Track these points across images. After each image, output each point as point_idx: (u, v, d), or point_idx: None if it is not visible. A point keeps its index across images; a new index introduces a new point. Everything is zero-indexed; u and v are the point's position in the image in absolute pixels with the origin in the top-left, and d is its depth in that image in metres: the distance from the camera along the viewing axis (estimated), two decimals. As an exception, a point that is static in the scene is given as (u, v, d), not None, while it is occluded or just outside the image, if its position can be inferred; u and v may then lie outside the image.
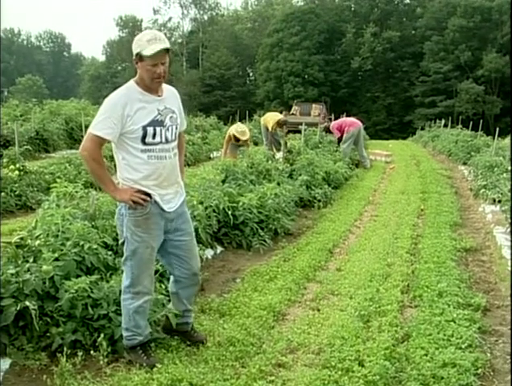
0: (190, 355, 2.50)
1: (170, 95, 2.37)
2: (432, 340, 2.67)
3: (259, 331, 2.78)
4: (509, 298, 3.43)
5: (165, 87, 2.36)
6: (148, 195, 2.28)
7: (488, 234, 5.18)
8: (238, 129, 7.51)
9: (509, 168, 7.20)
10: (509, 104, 28.25)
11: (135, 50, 2.22)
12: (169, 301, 2.88)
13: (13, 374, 2.31)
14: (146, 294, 2.38)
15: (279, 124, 9.58)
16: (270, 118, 9.74)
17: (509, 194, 5.70)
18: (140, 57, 2.21)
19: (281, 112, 12.00)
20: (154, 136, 2.25)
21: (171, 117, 2.32)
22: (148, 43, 2.18)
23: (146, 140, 2.24)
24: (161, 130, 2.27)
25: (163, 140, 2.28)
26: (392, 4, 36.16)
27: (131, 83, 2.29)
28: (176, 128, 2.36)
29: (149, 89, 2.27)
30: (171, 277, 2.55)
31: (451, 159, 11.75)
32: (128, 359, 2.42)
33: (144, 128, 2.23)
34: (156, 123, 2.26)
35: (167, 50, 2.22)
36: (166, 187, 2.33)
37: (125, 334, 2.42)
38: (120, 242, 2.41)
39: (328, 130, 10.81)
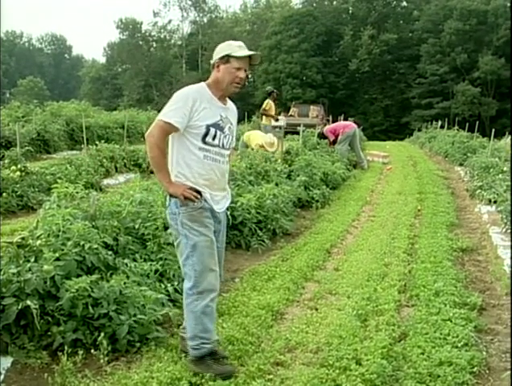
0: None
1: (232, 109, 2.45)
2: (429, 339, 2.70)
3: (258, 330, 2.80)
4: (504, 297, 3.47)
5: (228, 101, 2.43)
6: (199, 192, 2.30)
7: (484, 234, 5.23)
8: (268, 140, 7.86)
9: (505, 169, 7.27)
10: (504, 105, 28.44)
11: (223, 52, 2.29)
12: (169, 300, 2.91)
13: (14, 372, 2.33)
14: (212, 291, 2.30)
15: (270, 97, 9.33)
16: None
17: (505, 194, 5.75)
18: (227, 59, 2.28)
19: (279, 114, 12.01)
20: (214, 137, 2.30)
21: (229, 128, 2.39)
22: (239, 48, 2.30)
23: (207, 139, 2.29)
24: (220, 135, 2.33)
25: (221, 144, 2.34)
26: (389, 7, 36.29)
27: (202, 84, 2.36)
28: (232, 138, 2.42)
29: (218, 95, 2.34)
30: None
31: (447, 160, 11.82)
32: (196, 371, 2.28)
33: (208, 127, 2.29)
34: (218, 127, 2.32)
35: (250, 63, 2.33)
36: (215, 190, 2.37)
37: (191, 343, 2.31)
38: (176, 243, 2.37)
39: (322, 136, 10.82)
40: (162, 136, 2.26)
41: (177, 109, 2.24)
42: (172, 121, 2.23)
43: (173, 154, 2.33)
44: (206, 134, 2.28)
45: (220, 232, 2.44)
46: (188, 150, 2.29)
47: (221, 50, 2.32)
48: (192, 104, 2.25)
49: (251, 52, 2.32)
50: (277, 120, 9.67)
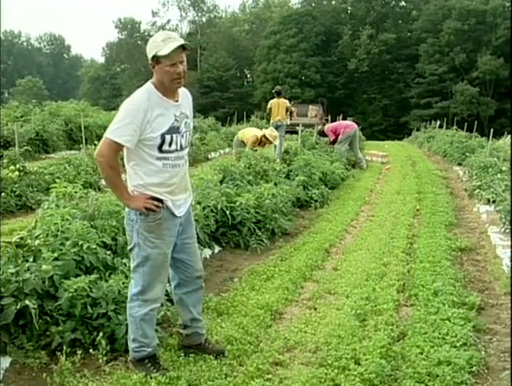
0: (188, 353, 2.51)
1: (184, 98, 2.33)
2: (428, 338, 2.70)
3: (256, 330, 2.81)
4: (503, 297, 3.48)
5: (179, 91, 2.30)
6: (160, 200, 2.23)
7: (482, 234, 5.23)
8: (272, 133, 7.97)
9: (504, 168, 7.28)
10: (503, 105, 28.49)
11: (151, 52, 2.14)
12: (168, 300, 2.91)
13: (13, 372, 2.33)
14: (155, 302, 2.32)
15: (281, 96, 9.41)
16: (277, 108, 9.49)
17: (504, 194, 5.76)
18: (157, 59, 2.14)
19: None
20: (170, 144, 2.21)
21: (185, 123, 2.29)
22: (164, 43, 2.12)
23: (163, 148, 2.20)
24: (177, 137, 2.23)
25: (178, 147, 2.25)
26: (388, 7, 36.32)
27: (150, 86, 2.22)
28: (189, 134, 2.32)
29: (167, 94, 2.22)
30: (174, 282, 2.46)
31: (446, 160, 11.82)
32: (136, 371, 2.30)
33: (162, 136, 2.18)
34: (173, 130, 2.22)
35: (183, 48, 2.16)
36: (177, 194, 2.30)
37: (132, 345, 2.33)
38: (128, 248, 2.33)
39: (322, 134, 10.83)
40: (112, 155, 2.14)
41: (125, 126, 2.11)
42: (121, 140, 2.11)
43: (130, 165, 2.24)
44: (162, 143, 2.18)
45: (185, 229, 2.37)
46: (146, 161, 2.20)
47: (149, 49, 2.16)
48: (143, 117, 2.12)
49: (176, 45, 2.10)
50: (291, 119, 9.95)
